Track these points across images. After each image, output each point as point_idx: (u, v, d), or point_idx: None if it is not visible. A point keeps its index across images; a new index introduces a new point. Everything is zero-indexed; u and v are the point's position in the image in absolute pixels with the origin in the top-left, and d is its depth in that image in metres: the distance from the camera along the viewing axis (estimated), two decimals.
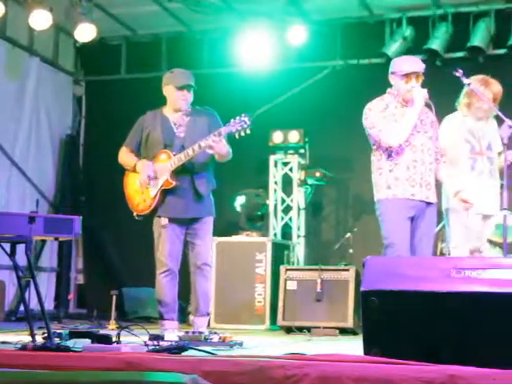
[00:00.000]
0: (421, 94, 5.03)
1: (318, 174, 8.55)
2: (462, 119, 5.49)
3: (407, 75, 5.08)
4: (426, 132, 5.12)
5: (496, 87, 5.44)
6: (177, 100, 5.56)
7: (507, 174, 4.86)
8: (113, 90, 9.57)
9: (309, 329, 6.84)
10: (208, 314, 5.69)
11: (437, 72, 7.93)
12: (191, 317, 5.59)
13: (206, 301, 5.59)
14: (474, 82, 5.30)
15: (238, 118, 5.40)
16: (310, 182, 8.64)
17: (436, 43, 8.24)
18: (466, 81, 5.03)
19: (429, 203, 5.11)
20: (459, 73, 5.02)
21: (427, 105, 5.10)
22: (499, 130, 5.11)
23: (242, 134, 5.41)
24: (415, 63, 5.18)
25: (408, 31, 8.39)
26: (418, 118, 5.09)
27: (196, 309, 5.53)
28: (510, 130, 4.82)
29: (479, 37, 8.14)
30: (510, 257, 5.60)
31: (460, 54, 8.32)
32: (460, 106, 5.51)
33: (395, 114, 5.09)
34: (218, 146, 5.36)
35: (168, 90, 5.60)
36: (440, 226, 6.21)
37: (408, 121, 5.03)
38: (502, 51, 8.21)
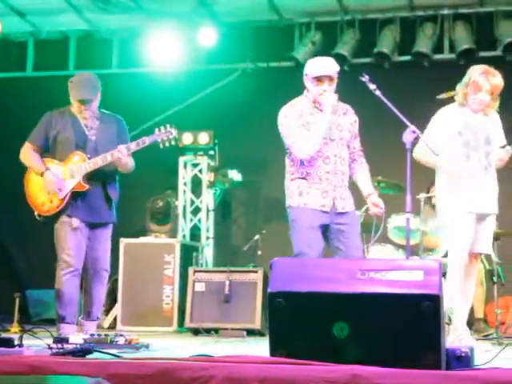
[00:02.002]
0: (328, 100, 4.94)
1: (227, 185, 8.59)
2: (457, 111, 5.24)
3: (318, 78, 4.96)
4: (341, 139, 5.01)
5: (496, 80, 5.14)
6: (80, 111, 5.50)
7: (410, 178, 4.93)
8: (18, 87, 9.33)
9: (216, 330, 6.85)
10: (98, 319, 5.68)
11: (344, 77, 8.06)
12: (81, 319, 5.55)
13: (99, 306, 5.60)
14: (474, 72, 5.16)
15: (163, 128, 5.51)
16: (219, 184, 8.65)
17: (344, 48, 8.37)
18: (371, 86, 5.11)
19: (344, 213, 4.98)
20: (365, 78, 5.10)
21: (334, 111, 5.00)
22: (404, 134, 5.05)
23: (167, 144, 5.48)
24: (327, 66, 5.02)
25: (317, 36, 8.50)
26: (334, 124, 5.01)
27: (88, 313, 5.51)
28: (413, 135, 4.91)
29: (385, 43, 8.32)
30: (413, 259, 5.75)
31: (367, 60, 8.49)
32: (457, 97, 5.27)
33: (309, 122, 4.95)
34: (126, 160, 5.38)
35: (72, 98, 5.54)
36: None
37: (317, 131, 4.91)
38: (406, 58, 8.41)
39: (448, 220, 5.17)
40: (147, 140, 5.41)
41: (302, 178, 4.96)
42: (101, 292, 5.57)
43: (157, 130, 5.49)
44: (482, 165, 5.16)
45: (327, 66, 5.04)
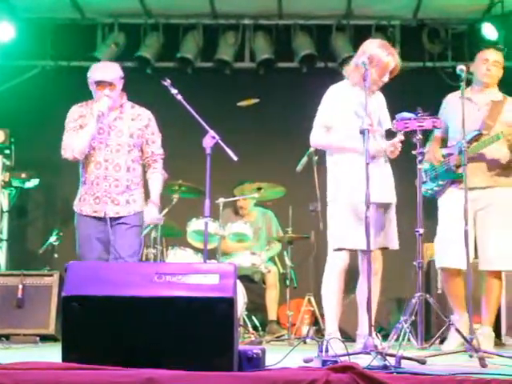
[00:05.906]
0: (98, 106, 4.99)
1: (23, 176, 8.30)
2: (350, 90, 4.85)
3: (98, 83, 5.02)
4: (119, 144, 5.04)
5: (398, 58, 4.84)
6: None
7: (210, 183, 4.99)
8: None
9: (7, 336, 6.60)
10: None
11: (147, 80, 8.06)
12: None
13: None
14: (372, 46, 4.83)
15: None
16: (14, 184, 8.34)
17: (147, 51, 8.36)
18: (173, 90, 5.14)
19: (119, 218, 5.01)
20: (167, 82, 5.13)
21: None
22: (204, 139, 5.06)
23: None
24: (108, 72, 5.08)
25: (120, 37, 8.43)
26: (112, 129, 5.05)
27: None
28: (213, 140, 4.98)
29: (188, 49, 8.40)
30: (210, 262, 5.85)
31: (170, 64, 8.52)
32: (352, 73, 4.85)
33: (82, 126, 5.04)
34: None
35: None
36: (147, 229, 6.20)
37: (80, 137, 5.00)
38: (209, 64, 8.55)
39: (336, 213, 4.82)
40: None
41: (84, 183, 5.08)
42: None
43: None
44: (381, 149, 4.81)
45: (108, 72, 5.09)
